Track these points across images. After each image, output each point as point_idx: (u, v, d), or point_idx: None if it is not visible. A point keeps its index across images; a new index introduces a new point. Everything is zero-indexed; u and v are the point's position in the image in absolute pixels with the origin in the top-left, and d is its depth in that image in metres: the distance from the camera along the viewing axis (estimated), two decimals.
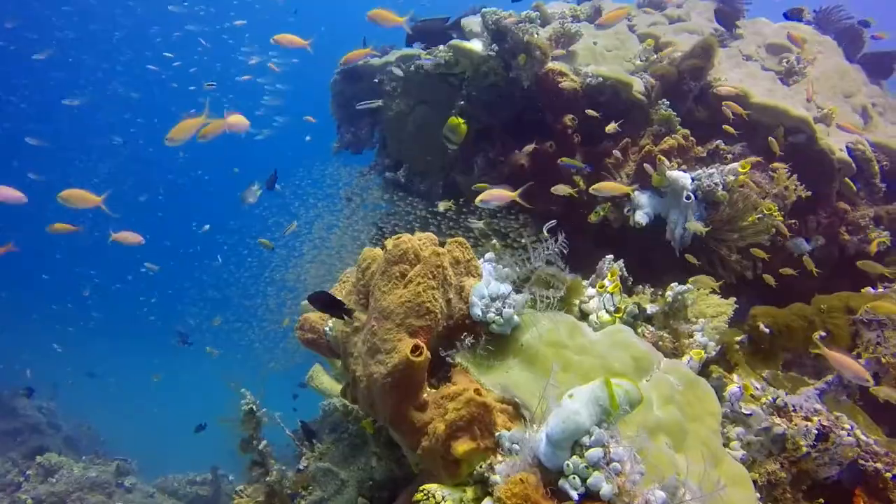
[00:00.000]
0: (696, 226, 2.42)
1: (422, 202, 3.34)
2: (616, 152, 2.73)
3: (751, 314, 1.59)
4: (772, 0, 3.71)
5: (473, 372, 1.34)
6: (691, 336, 1.65)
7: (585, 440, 0.95)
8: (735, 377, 1.52)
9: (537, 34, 2.71)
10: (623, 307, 1.65)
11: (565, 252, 2.86)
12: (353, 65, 4.05)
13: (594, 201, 2.83)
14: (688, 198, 2.45)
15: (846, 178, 2.80)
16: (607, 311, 1.63)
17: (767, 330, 1.50)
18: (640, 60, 2.95)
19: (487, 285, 1.36)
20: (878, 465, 1.75)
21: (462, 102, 2.90)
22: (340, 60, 4.07)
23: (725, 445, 1.39)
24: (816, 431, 1.75)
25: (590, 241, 3.00)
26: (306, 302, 2.84)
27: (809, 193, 2.58)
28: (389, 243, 1.40)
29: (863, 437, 1.81)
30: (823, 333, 1.45)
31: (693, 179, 2.48)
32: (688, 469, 1.17)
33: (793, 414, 1.80)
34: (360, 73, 3.99)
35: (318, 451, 2.98)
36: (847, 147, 2.79)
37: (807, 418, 1.79)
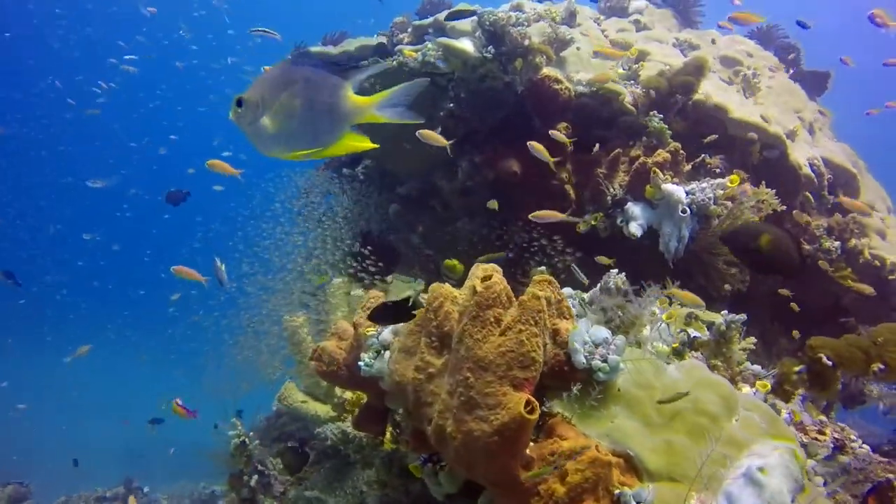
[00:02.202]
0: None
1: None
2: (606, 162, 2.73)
3: (809, 345, 1.64)
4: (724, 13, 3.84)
5: (577, 423, 1.26)
6: (741, 364, 1.67)
7: None
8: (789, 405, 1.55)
9: (532, 38, 2.65)
10: (678, 336, 1.63)
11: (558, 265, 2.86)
12: (305, 51, 3.79)
13: (583, 211, 2.84)
14: (683, 212, 2.50)
15: (806, 192, 3.00)
16: (664, 342, 1.61)
17: (830, 362, 1.55)
18: (623, 69, 2.96)
19: (587, 329, 1.29)
20: (890, 476, 1.88)
21: (451, 105, 2.77)
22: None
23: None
24: (832, 445, 1.84)
25: (575, 250, 3.01)
26: (287, 318, 2.63)
27: (784, 207, 2.72)
28: (478, 284, 1.28)
29: (866, 447, 1.93)
30: (882, 366, 1.52)
31: (687, 193, 2.54)
32: None
33: (807, 427, 1.89)
34: (314, 62, 3.73)
35: (295, 475, 2.80)
36: (808, 162, 2.98)
37: (820, 432, 1.89)
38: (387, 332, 1.66)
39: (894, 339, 1.50)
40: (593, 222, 2.74)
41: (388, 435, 2.13)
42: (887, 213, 3.50)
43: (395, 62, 2.88)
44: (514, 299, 1.31)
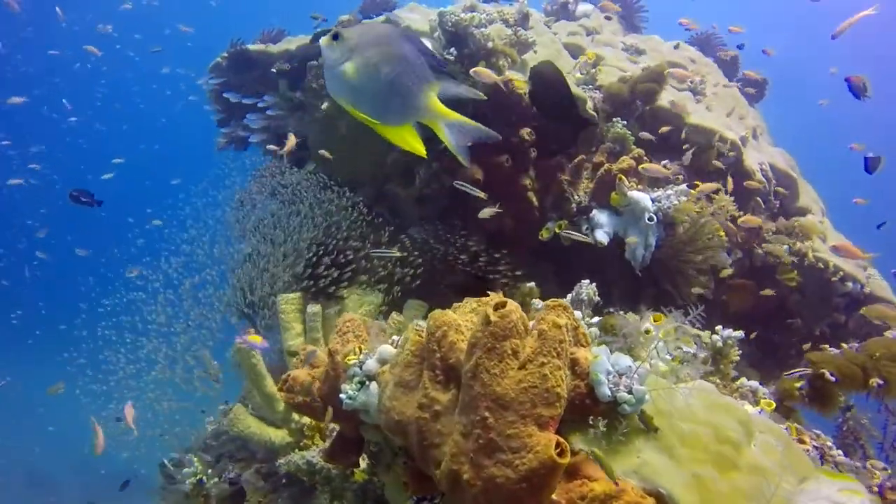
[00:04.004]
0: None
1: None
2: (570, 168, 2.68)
3: (809, 360, 1.62)
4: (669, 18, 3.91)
5: (603, 460, 1.16)
6: (736, 380, 1.64)
7: None
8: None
9: (494, 40, 2.55)
10: (677, 354, 1.57)
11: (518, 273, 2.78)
12: (243, 48, 3.54)
13: (545, 218, 2.77)
14: (650, 219, 2.48)
15: (756, 196, 3.07)
16: (662, 361, 1.54)
17: (833, 378, 1.54)
18: (580, 74, 2.92)
19: (608, 358, 1.19)
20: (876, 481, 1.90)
21: None
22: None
23: None
24: (817, 455, 1.85)
25: (531, 255, 2.95)
26: (239, 344, 2.40)
27: (741, 213, 2.76)
28: (491, 313, 1.16)
29: (840, 452, 1.95)
30: (881, 381, 1.52)
31: (654, 201, 2.52)
32: None
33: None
34: (254, 61, 3.48)
35: None
36: (759, 167, 3.05)
37: (800, 440, 1.89)
38: (371, 362, 1.51)
39: (889, 354, 1.50)
40: (557, 230, 2.67)
41: (361, 466, 1.98)
42: (822, 216, 3.65)
43: None
44: (530, 328, 1.19)
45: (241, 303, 3.07)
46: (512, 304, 1.17)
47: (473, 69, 2.31)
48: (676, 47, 3.65)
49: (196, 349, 3.39)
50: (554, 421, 1.11)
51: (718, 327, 1.65)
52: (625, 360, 1.20)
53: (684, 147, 2.77)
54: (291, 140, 2.48)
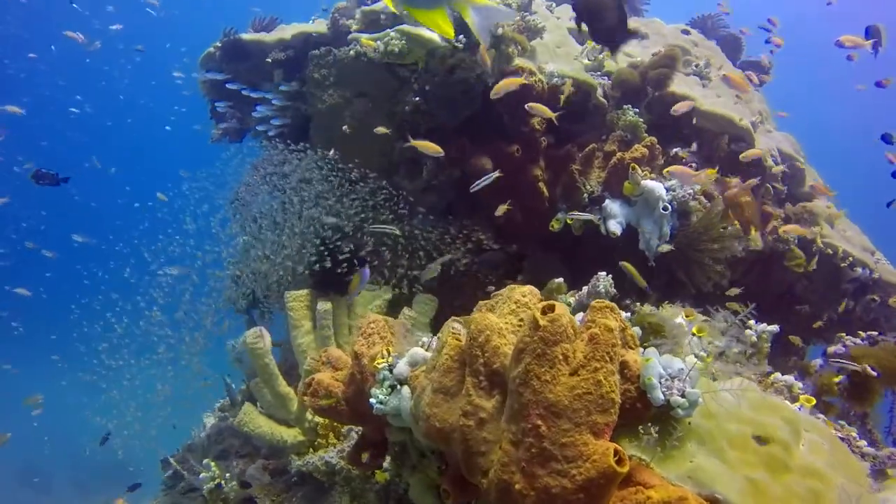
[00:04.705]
0: (665, 247, 2.45)
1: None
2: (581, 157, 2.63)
3: (850, 355, 1.59)
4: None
5: (655, 465, 1.13)
6: (769, 375, 1.61)
7: None
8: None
9: (503, 26, 2.48)
10: (710, 350, 1.54)
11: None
12: (236, 38, 3.43)
13: (555, 209, 2.72)
14: (665, 209, 2.44)
15: (767, 183, 3.04)
16: (697, 357, 1.51)
17: (876, 373, 1.51)
18: (588, 59, 2.86)
19: (659, 360, 1.15)
20: None
21: (417, 98, 2.55)
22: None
23: None
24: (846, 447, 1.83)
25: (540, 246, 2.91)
26: (247, 339, 2.34)
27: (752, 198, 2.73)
28: (540, 317, 1.11)
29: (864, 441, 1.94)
30: None
31: (668, 190, 2.48)
32: None
33: None
34: (248, 51, 3.37)
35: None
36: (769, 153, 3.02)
37: None
38: (402, 365, 1.46)
39: None
40: (569, 221, 2.63)
41: (384, 465, 1.94)
42: (826, 200, 3.64)
43: (352, 52, 2.63)
44: (578, 331, 1.15)
45: (243, 295, 3.00)
46: (561, 307, 1.13)
47: (493, 91, 2.27)
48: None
49: (200, 335, 3.31)
50: (609, 428, 1.07)
51: (752, 322, 1.62)
52: (676, 363, 1.16)
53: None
54: (429, 145, 2.39)
